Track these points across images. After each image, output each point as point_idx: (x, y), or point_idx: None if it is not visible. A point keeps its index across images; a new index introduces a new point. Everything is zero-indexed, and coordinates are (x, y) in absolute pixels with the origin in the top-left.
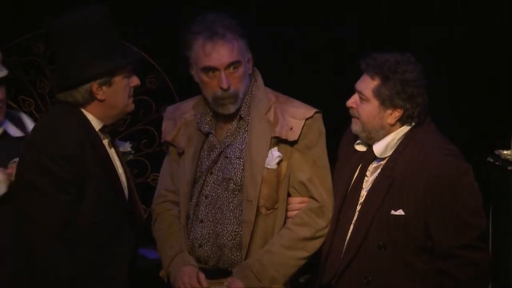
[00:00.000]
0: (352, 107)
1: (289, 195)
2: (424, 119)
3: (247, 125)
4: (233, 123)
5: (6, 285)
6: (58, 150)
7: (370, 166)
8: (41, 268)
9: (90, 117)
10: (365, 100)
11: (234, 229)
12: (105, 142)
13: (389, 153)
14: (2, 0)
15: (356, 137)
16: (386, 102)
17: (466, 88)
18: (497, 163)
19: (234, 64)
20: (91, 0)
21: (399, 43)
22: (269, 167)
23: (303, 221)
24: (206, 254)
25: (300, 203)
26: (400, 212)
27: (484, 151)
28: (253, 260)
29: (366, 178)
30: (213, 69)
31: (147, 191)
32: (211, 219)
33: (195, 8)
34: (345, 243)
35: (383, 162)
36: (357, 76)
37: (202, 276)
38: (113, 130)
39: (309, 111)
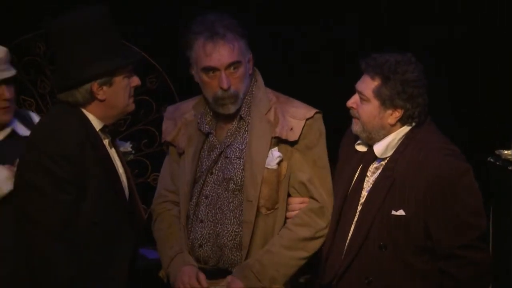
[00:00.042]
0: (352, 107)
1: (289, 195)
2: (425, 119)
3: (247, 125)
4: (234, 123)
5: (6, 285)
6: (58, 150)
7: (371, 166)
8: (41, 268)
9: (90, 117)
10: (366, 100)
11: (234, 229)
12: (106, 142)
13: (389, 153)
14: (2, 0)
15: (356, 138)
16: (386, 102)
17: (466, 88)
18: (497, 163)
19: (235, 64)
20: (91, 0)
21: (399, 43)
22: (269, 167)
23: (303, 221)
24: (206, 254)
25: (300, 203)
26: (400, 212)
27: (484, 151)
28: (253, 260)
29: (366, 179)
30: (214, 69)
31: (147, 191)
32: (211, 219)
33: (195, 8)
34: (346, 243)
35: (383, 162)
36: (357, 76)
37: (202, 276)
38: (114, 130)
39: (310, 111)
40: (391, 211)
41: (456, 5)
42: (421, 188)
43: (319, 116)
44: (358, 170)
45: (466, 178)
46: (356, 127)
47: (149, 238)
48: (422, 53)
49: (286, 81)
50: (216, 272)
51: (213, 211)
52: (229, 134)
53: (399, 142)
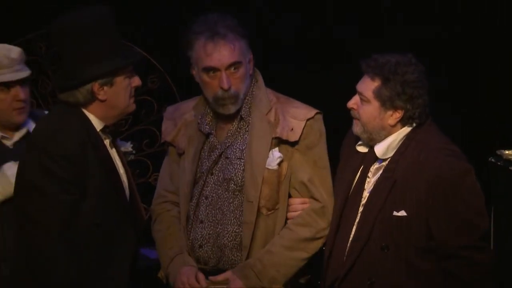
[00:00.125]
0: (353, 108)
1: (289, 196)
2: (425, 120)
3: (247, 126)
4: (234, 123)
5: (7, 285)
6: (58, 150)
7: (372, 167)
8: (41, 268)
9: (91, 117)
10: (366, 101)
11: (234, 229)
12: (107, 142)
13: (390, 154)
14: (3, 0)
15: (357, 139)
16: (386, 103)
17: (466, 88)
18: (499, 163)
19: (235, 65)
20: (91, 0)
21: (399, 43)
22: (270, 167)
23: (304, 221)
24: (206, 254)
25: (301, 204)
26: (402, 213)
27: (484, 151)
28: (254, 259)
29: (368, 179)
30: (214, 69)
31: (148, 191)
32: (211, 220)
33: (195, 8)
34: (348, 244)
35: (384, 163)
36: (357, 76)
37: (201, 276)
38: (115, 130)
39: (310, 111)
40: (392, 212)
41: (456, 5)
42: (422, 189)
43: (320, 116)
44: (359, 171)
45: (469, 178)
46: (356, 128)
47: (150, 238)
48: (422, 53)
49: (286, 81)
50: (216, 273)
51: (213, 211)
52: (229, 134)
53: (400, 143)
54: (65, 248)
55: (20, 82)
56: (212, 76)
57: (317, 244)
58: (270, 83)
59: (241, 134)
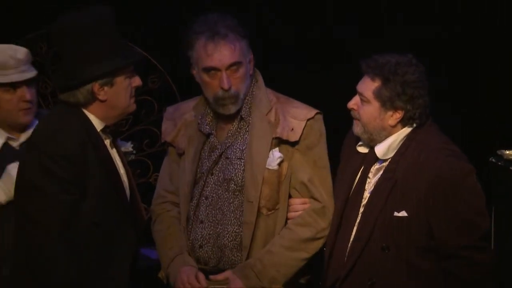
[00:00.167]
0: (353, 108)
1: (290, 196)
2: (426, 120)
3: (248, 126)
4: (234, 123)
5: (7, 285)
6: (58, 150)
7: (372, 167)
8: (41, 268)
9: (91, 117)
10: (366, 101)
11: (234, 230)
12: (107, 142)
13: (391, 154)
14: (3, 0)
15: (358, 139)
16: (386, 103)
17: (466, 88)
18: (499, 163)
19: (236, 65)
20: (92, 0)
21: (399, 43)
22: (270, 167)
23: (304, 221)
24: (206, 255)
25: (301, 204)
26: (403, 213)
27: (484, 151)
28: (255, 259)
29: (368, 180)
30: (215, 69)
31: (149, 191)
32: (211, 220)
33: (195, 8)
34: (348, 245)
35: (385, 164)
36: (357, 77)
37: (201, 275)
38: (115, 130)
39: (310, 112)
40: (393, 213)
41: (456, 5)
42: (423, 189)
43: (320, 116)
44: (360, 171)
45: (469, 178)
46: (357, 129)
47: (151, 238)
48: (422, 53)
49: (286, 81)
50: (216, 273)
51: (214, 211)
52: (229, 134)
53: (401, 143)
54: (65, 248)
55: (26, 83)
56: (213, 76)
57: (317, 244)
58: (270, 83)
59: (241, 134)
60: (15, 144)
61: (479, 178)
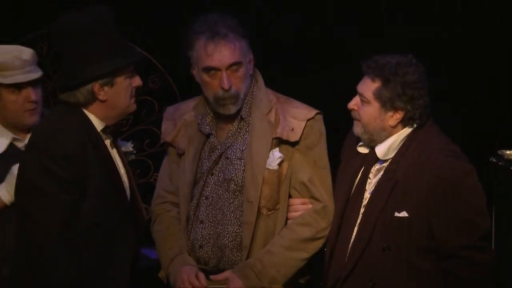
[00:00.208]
0: (353, 109)
1: (290, 196)
2: (426, 121)
3: (248, 126)
4: (234, 123)
5: (7, 285)
6: (58, 150)
7: (373, 168)
8: (41, 268)
9: (92, 117)
10: (366, 102)
11: (234, 230)
12: (107, 142)
13: (391, 155)
14: (3, 0)
15: (358, 140)
16: (387, 104)
17: (466, 88)
18: (500, 163)
19: (236, 65)
20: (91, 0)
21: (399, 43)
22: (270, 168)
23: (304, 221)
24: (206, 255)
25: (301, 204)
26: (403, 214)
27: (484, 151)
28: (254, 259)
29: (369, 180)
30: (215, 69)
31: (149, 191)
32: (211, 220)
33: (195, 8)
34: (349, 246)
35: (385, 164)
36: (357, 77)
37: (201, 275)
38: (115, 130)
39: (310, 112)
40: (394, 213)
41: (456, 5)
42: (423, 190)
43: (320, 116)
44: (360, 172)
45: (470, 178)
46: (357, 129)
47: (151, 238)
48: (422, 53)
49: (286, 81)
50: (216, 273)
51: (214, 212)
52: (229, 135)
53: (401, 143)
54: (65, 248)
55: (32, 83)
56: (213, 76)
57: (318, 244)
58: (270, 83)
59: (242, 135)
60: (20, 145)
61: (479, 178)
